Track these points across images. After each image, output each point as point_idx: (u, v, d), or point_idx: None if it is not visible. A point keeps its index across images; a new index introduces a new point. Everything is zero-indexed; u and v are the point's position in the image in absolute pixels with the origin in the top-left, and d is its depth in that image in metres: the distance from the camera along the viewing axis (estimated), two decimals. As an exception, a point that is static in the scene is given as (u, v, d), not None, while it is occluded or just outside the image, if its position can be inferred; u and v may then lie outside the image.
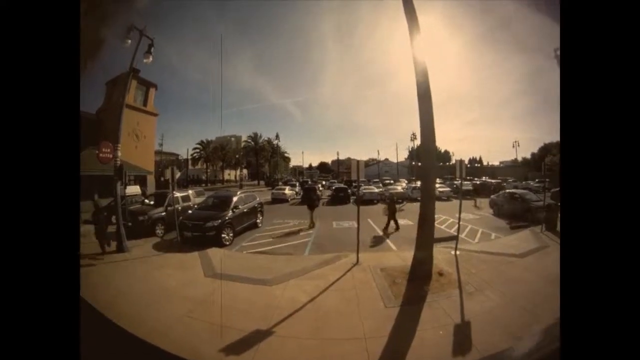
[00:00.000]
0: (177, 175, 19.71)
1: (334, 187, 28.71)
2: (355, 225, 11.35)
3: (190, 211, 15.44)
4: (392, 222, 15.91)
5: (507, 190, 21.43)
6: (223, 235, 13.40)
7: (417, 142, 34.42)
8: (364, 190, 25.09)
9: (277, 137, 43.55)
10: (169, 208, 14.97)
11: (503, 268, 9.93)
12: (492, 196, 21.21)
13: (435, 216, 9.86)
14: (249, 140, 44.20)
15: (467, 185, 26.56)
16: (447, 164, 39.02)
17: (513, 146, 34.40)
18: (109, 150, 12.28)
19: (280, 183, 35.75)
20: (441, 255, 10.65)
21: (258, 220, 16.94)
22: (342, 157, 47.79)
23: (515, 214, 17.70)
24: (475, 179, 34.30)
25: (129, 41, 12.65)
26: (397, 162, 45.58)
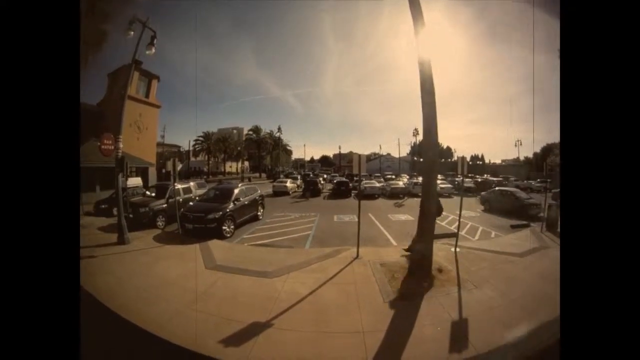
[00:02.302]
0: (179, 167, 19.73)
1: (335, 181, 28.75)
2: (356, 219, 11.37)
3: (191, 203, 15.47)
4: None
5: (497, 188, 22.07)
6: (224, 228, 13.45)
7: (420, 137, 34.37)
8: (366, 185, 25.12)
9: (279, 129, 43.55)
10: (170, 200, 15.02)
11: (503, 266, 9.95)
12: (482, 193, 21.53)
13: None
14: (251, 133, 44.18)
15: (469, 183, 26.59)
16: (449, 160, 39.00)
17: (515, 145, 34.30)
18: (110, 142, 12.29)
19: (281, 176, 35.80)
20: (441, 252, 10.67)
21: (259, 213, 16.98)
22: (344, 151, 47.77)
23: (506, 211, 18.15)
24: (477, 176, 34.30)
25: (132, 33, 12.59)
26: (399, 157, 45.54)
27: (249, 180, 36.12)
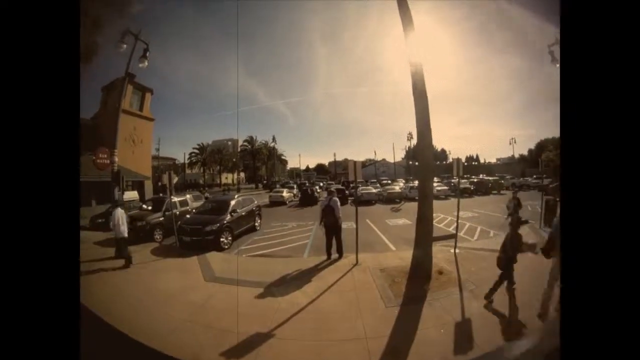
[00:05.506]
0: (175, 179, 19.64)
1: (328, 189, 28.77)
2: (354, 226, 11.33)
3: (188, 216, 15.37)
4: None
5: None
6: (222, 239, 13.37)
7: (414, 141, 34.52)
8: (362, 191, 25.12)
9: (273, 139, 43.55)
10: (167, 213, 14.94)
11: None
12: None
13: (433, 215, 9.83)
14: (246, 144, 44.21)
15: (465, 184, 26.70)
16: (444, 162, 39.14)
17: (510, 143, 34.50)
18: (106, 155, 12.28)
19: (278, 185, 35.74)
20: (440, 254, 10.66)
21: (256, 224, 16.91)
22: (339, 158, 47.76)
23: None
24: (473, 176, 34.42)
25: (124, 46, 12.63)
26: (394, 162, 45.58)
27: (238, 190, 35.98)
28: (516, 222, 8.75)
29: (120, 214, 10.90)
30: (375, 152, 49.00)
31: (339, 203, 11.43)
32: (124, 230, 10.84)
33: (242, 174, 45.95)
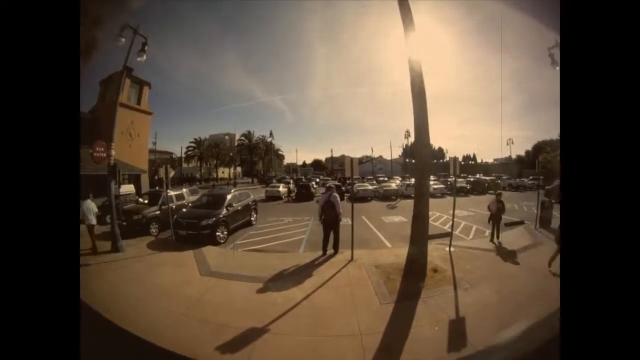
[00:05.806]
0: (171, 173, 19.59)
1: (327, 185, 28.93)
2: (350, 222, 11.37)
3: (184, 210, 15.37)
4: None
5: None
6: (218, 234, 13.40)
7: (411, 139, 34.61)
8: (358, 188, 25.19)
9: (270, 134, 43.63)
10: (163, 207, 14.93)
11: (497, 264, 10.03)
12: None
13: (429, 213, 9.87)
14: (243, 138, 44.22)
15: (461, 183, 26.87)
16: (441, 161, 39.34)
17: (507, 144, 34.74)
18: (102, 149, 12.19)
19: (274, 180, 35.82)
20: (436, 251, 10.74)
21: (252, 218, 16.93)
22: (336, 155, 47.90)
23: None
24: (469, 176, 34.62)
25: (123, 40, 12.53)
26: (391, 160, 45.71)
27: (234, 185, 35.96)
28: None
29: (87, 204, 12.11)
30: (372, 149, 49.41)
31: (339, 199, 11.51)
32: (92, 218, 12.10)
33: (239, 169, 46.00)
